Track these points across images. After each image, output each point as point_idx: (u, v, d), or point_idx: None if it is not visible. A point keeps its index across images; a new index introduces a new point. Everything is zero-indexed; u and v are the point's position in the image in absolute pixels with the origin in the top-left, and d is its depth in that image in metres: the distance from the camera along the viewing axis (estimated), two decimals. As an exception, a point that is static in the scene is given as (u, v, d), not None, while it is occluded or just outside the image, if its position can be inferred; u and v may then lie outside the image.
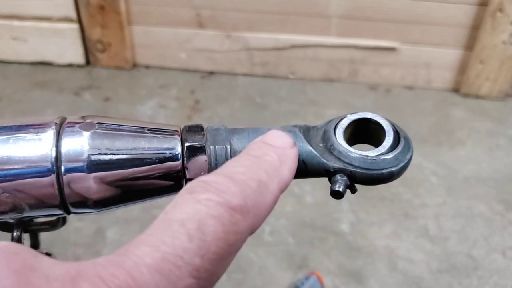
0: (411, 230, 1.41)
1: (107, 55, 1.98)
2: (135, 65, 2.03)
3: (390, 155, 0.33)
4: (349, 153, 0.33)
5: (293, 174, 0.30)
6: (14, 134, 0.30)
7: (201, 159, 0.32)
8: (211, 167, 0.33)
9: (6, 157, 0.30)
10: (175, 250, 0.22)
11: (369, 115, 0.34)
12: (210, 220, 0.23)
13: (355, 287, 1.26)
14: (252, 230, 0.26)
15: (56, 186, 0.30)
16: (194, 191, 0.25)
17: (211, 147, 0.33)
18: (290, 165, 0.30)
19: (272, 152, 0.30)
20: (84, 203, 0.31)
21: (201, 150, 0.32)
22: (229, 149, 0.33)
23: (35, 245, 0.39)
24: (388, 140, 0.33)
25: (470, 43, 1.84)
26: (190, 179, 0.33)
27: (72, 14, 1.89)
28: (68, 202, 0.31)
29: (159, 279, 0.21)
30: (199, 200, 0.24)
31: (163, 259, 0.22)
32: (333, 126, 0.34)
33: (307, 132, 0.35)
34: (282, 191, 0.29)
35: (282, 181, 0.29)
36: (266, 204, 0.27)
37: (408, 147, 0.34)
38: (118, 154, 0.31)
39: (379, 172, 0.32)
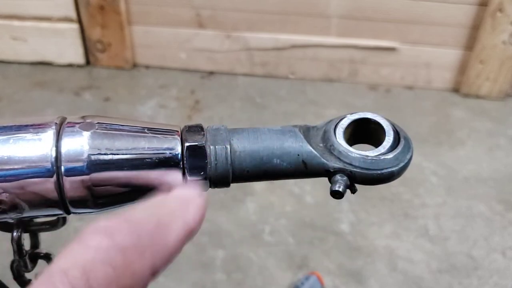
0: (411, 230, 1.41)
1: (107, 55, 1.98)
2: (135, 65, 2.03)
3: (390, 155, 0.33)
4: (349, 153, 0.33)
5: (200, 221, 0.29)
6: (14, 134, 0.30)
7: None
8: (211, 167, 0.33)
9: (6, 157, 0.30)
10: None
11: (369, 115, 0.34)
12: (99, 265, 0.22)
13: (355, 287, 1.26)
14: (153, 271, 0.25)
15: (56, 186, 0.30)
16: (83, 238, 0.24)
17: (211, 147, 0.33)
18: (195, 210, 0.28)
19: (175, 198, 0.29)
20: (84, 203, 0.31)
21: (201, 150, 0.32)
22: (229, 149, 0.33)
23: (35, 245, 0.39)
24: (388, 140, 0.33)
25: (470, 43, 1.84)
26: (190, 180, 0.33)
27: (72, 14, 1.89)
28: (68, 202, 0.31)
29: None
30: (88, 245, 0.23)
31: None
32: (333, 126, 0.34)
33: (307, 132, 0.35)
34: (188, 235, 0.28)
35: (186, 224, 0.27)
36: (167, 243, 0.26)
37: (408, 147, 0.34)
38: (118, 154, 0.31)
39: (379, 172, 0.32)
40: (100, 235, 0.24)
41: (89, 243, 0.23)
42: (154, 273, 0.25)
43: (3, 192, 0.30)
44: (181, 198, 0.29)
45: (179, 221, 0.27)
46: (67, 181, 0.30)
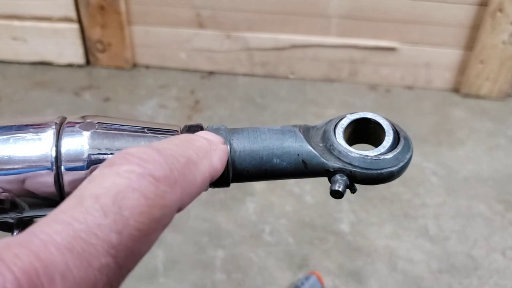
0: (411, 230, 1.41)
1: (107, 55, 1.98)
2: (135, 65, 2.03)
3: (390, 155, 0.33)
4: (349, 153, 0.33)
5: (222, 165, 0.30)
6: (14, 134, 0.30)
7: None
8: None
9: (6, 157, 0.30)
10: (88, 227, 0.20)
11: (369, 115, 0.34)
12: (131, 193, 0.22)
13: (355, 287, 1.26)
14: (180, 206, 0.25)
15: (56, 186, 0.30)
16: (114, 163, 0.23)
17: (211, 147, 0.33)
18: (220, 154, 0.30)
19: (203, 139, 0.29)
20: (84, 202, 0.31)
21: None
22: (229, 149, 0.33)
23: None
24: (388, 140, 0.33)
25: (470, 43, 1.84)
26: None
27: (72, 14, 1.89)
28: (68, 202, 0.31)
29: (71, 259, 0.19)
30: (119, 172, 0.23)
31: (75, 237, 0.20)
32: (333, 126, 0.34)
33: (307, 132, 0.35)
34: (212, 176, 0.28)
35: (212, 166, 0.28)
36: (195, 181, 0.26)
37: (408, 147, 0.34)
38: (118, 154, 0.31)
39: (379, 172, 0.32)
40: (133, 163, 0.23)
41: (121, 169, 0.23)
42: (180, 208, 0.25)
43: (3, 192, 0.30)
44: (208, 140, 0.30)
45: (206, 160, 0.28)
46: (67, 181, 0.30)
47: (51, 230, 0.20)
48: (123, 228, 0.21)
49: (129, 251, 0.21)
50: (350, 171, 0.32)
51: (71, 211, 0.21)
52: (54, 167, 0.30)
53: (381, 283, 1.27)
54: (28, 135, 0.30)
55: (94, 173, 0.23)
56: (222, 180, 0.33)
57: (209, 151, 0.29)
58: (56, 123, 0.31)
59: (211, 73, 2.01)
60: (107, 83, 1.94)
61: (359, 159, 0.32)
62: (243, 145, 0.33)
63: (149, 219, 0.22)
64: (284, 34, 1.90)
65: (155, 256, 1.29)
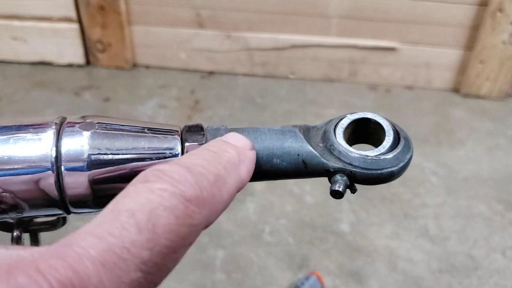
0: (411, 230, 1.41)
1: (107, 55, 1.98)
2: (135, 65, 2.03)
3: (390, 155, 0.33)
4: (349, 153, 0.33)
5: (250, 175, 0.30)
6: (14, 134, 0.30)
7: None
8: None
9: (6, 157, 0.30)
10: (122, 242, 0.21)
11: (369, 115, 0.34)
12: (163, 211, 0.22)
13: (355, 287, 1.26)
14: (207, 224, 0.25)
15: (56, 186, 0.30)
16: (147, 180, 0.24)
17: (211, 147, 0.33)
18: (248, 165, 0.30)
19: (232, 149, 0.29)
20: (84, 203, 0.31)
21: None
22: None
23: (35, 245, 0.39)
24: (388, 140, 0.33)
25: (470, 43, 1.84)
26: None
27: (72, 14, 1.89)
28: (68, 202, 0.31)
29: (104, 272, 0.20)
30: (152, 189, 0.23)
31: (109, 251, 0.21)
32: (333, 126, 0.34)
33: (307, 132, 0.35)
34: (239, 189, 0.29)
35: (240, 179, 0.29)
36: (222, 199, 0.27)
37: (408, 147, 0.34)
38: (118, 154, 0.31)
39: (379, 172, 0.32)
40: (165, 182, 0.24)
41: (154, 186, 0.23)
42: (206, 226, 0.26)
43: (3, 192, 0.30)
44: (236, 149, 0.29)
45: (234, 175, 0.28)
46: (67, 181, 0.30)
47: (86, 243, 0.21)
48: (155, 246, 0.22)
49: (158, 268, 0.22)
50: (350, 171, 0.32)
51: (107, 225, 0.22)
52: (54, 167, 0.30)
53: (381, 283, 1.27)
54: (28, 135, 0.30)
55: (129, 187, 0.24)
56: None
57: (238, 163, 0.29)
58: (56, 123, 0.31)
59: (211, 73, 2.01)
60: (107, 83, 1.94)
61: (359, 159, 0.32)
62: (243, 145, 0.33)
63: (178, 237, 0.23)
64: (284, 34, 1.90)
65: (155, 256, 1.28)
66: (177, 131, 0.34)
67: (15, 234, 0.35)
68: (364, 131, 0.35)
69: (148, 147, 0.32)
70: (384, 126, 0.34)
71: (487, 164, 1.63)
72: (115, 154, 0.31)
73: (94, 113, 0.34)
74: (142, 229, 0.22)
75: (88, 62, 2.01)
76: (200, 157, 0.27)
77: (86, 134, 0.31)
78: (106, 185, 0.31)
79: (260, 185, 1.50)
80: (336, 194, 0.32)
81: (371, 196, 1.49)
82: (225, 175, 0.27)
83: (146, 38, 1.96)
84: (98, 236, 0.21)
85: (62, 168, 0.30)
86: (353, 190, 0.33)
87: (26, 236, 0.37)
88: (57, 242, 0.21)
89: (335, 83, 1.97)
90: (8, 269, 0.19)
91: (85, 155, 0.30)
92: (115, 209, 0.22)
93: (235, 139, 0.31)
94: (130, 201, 0.23)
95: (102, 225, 0.22)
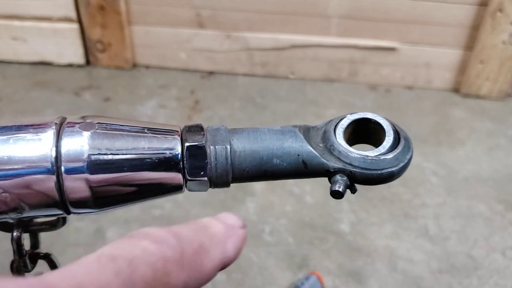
0: (411, 230, 1.41)
1: (107, 55, 1.98)
2: (135, 65, 2.03)
3: (390, 155, 0.33)
4: (349, 153, 0.33)
5: (237, 252, 0.30)
6: (14, 134, 0.30)
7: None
8: (211, 167, 0.33)
9: (6, 157, 0.30)
10: (99, 282, 0.22)
11: (369, 115, 0.34)
12: (142, 263, 0.24)
13: (355, 287, 1.26)
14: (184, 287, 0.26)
15: (56, 186, 0.30)
16: (133, 236, 0.25)
17: (211, 147, 0.33)
18: (236, 242, 0.30)
19: (221, 224, 0.30)
20: (84, 203, 0.31)
21: (201, 150, 0.32)
22: (229, 149, 0.33)
23: (35, 245, 0.39)
24: (388, 140, 0.33)
25: (470, 43, 1.84)
26: (190, 180, 0.33)
27: (72, 14, 1.89)
28: (68, 202, 0.31)
29: None
30: (136, 244, 0.25)
31: None
32: (333, 126, 0.34)
33: (307, 132, 0.35)
34: (224, 264, 0.29)
35: (225, 254, 0.29)
36: (203, 268, 0.27)
37: (408, 147, 0.34)
38: (118, 154, 0.31)
39: (379, 172, 0.32)
40: (149, 240, 0.25)
41: (138, 243, 0.25)
42: None
43: (3, 192, 0.30)
44: (225, 226, 0.30)
45: (220, 248, 0.28)
46: (67, 181, 0.30)
47: (60, 279, 0.21)
48: None
49: None
50: (350, 172, 0.32)
51: (87, 265, 0.23)
52: (54, 168, 0.30)
53: (381, 283, 1.27)
54: (28, 136, 0.30)
55: (115, 241, 0.25)
56: (222, 180, 0.33)
57: (224, 238, 0.29)
58: (56, 123, 0.31)
59: (211, 73, 2.01)
60: (107, 83, 1.94)
61: (359, 160, 0.32)
62: (243, 145, 0.33)
63: None
64: (284, 34, 1.90)
65: (155, 256, 1.29)
66: (177, 131, 0.34)
67: (15, 234, 0.35)
68: (364, 131, 0.35)
69: (148, 147, 0.32)
70: (384, 126, 0.34)
71: (487, 164, 1.63)
72: (115, 154, 0.31)
73: (94, 113, 0.34)
74: (120, 273, 0.23)
75: (88, 62, 2.01)
76: (187, 227, 0.28)
77: (86, 134, 0.31)
78: (106, 185, 0.31)
79: (260, 185, 1.50)
80: (336, 194, 0.32)
81: (371, 196, 1.49)
82: (209, 246, 0.28)
83: (146, 38, 1.96)
84: (75, 275, 0.22)
85: (62, 168, 0.30)
86: (353, 190, 0.33)
87: (26, 236, 0.37)
88: (36, 277, 0.22)
89: (335, 83, 1.97)
90: None
91: (85, 155, 0.30)
92: (98, 253, 0.24)
93: (226, 217, 0.31)
94: (113, 249, 0.24)
95: (82, 263, 0.23)
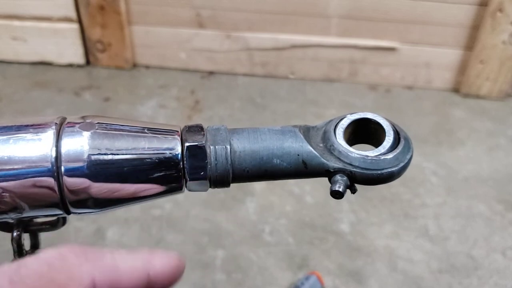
0: (411, 230, 1.41)
1: (107, 55, 1.98)
2: (135, 65, 2.03)
3: (390, 155, 0.33)
4: (349, 153, 0.33)
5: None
6: (14, 134, 0.30)
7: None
8: (211, 167, 0.33)
9: (6, 157, 0.30)
10: None
11: (369, 115, 0.34)
12: None
13: (355, 287, 1.26)
14: None
15: (56, 186, 0.30)
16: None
17: (211, 147, 0.33)
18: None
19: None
20: (84, 203, 0.31)
21: (201, 150, 0.32)
22: (229, 149, 0.33)
23: (35, 245, 0.39)
24: (388, 140, 0.33)
25: (470, 43, 1.84)
26: (190, 179, 0.33)
27: (72, 14, 1.89)
28: (68, 202, 0.31)
29: None
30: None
31: None
32: (333, 126, 0.34)
33: (307, 132, 0.35)
34: None
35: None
36: None
37: (408, 147, 0.34)
38: (118, 154, 0.31)
39: (379, 172, 0.32)
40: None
41: None
42: None
43: (3, 192, 0.30)
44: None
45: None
46: (67, 181, 0.30)
47: None
48: None
49: None
50: (351, 172, 0.32)
51: None
52: (54, 167, 0.30)
53: (381, 283, 1.27)
54: (28, 136, 0.30)
55: None
56: (222, 180, 0.33)
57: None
58: (56, 123, 0.31)
59: (211, 73, 2.01)
60: (107, 83, 1.94)
61: (359, 160, 0.32)
62: (243, 145, 0.33)
63: None
64: (284, 34, 1.90)
65: (155, 256, 1.28)
66: (177, 131, 0.34)
67: (15, 234, 0.35)
68: (364, 131, 0.35)
69: (148, 147, 0.32)
70: (384, 126, 0.34)
71: (487, 164, 1.63)
72: (115, 154, 0.31)
73: (94, 113, 0.34)
74: None
75: (88, 62, 2.01)
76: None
77: (86, 134, 0.31)
78: (106, 185, 0.31)
79: (260, 185, 1.50)
80: (336, 194, 0.32)
81: (371, 196, 1.49)
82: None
83: (146, 38, 1.96)
84: None
85: (62, 168, 0.30)
86: (353, 190, 0.33)
87: (26, 236, 0.37)
88: None
89: (335, 83, 1.97)
90: None
91: (85, 155, 0.30)
92: None
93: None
94: None
95: None
